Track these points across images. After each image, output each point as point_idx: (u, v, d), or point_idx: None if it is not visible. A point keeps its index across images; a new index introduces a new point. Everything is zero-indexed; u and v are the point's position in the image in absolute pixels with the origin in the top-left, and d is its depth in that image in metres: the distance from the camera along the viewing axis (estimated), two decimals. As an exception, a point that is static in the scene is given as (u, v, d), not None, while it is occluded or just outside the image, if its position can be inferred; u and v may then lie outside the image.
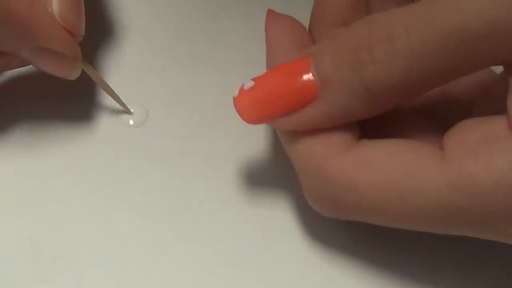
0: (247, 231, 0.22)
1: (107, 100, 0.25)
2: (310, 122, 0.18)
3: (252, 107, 0.18)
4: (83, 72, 0.23)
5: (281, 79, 0.18)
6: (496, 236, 0.16)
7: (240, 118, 0.18)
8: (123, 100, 0.24)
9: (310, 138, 0.18)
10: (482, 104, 0.19)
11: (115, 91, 0.24)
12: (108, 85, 0.24)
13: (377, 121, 0.19)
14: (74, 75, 0.22)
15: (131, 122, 0.25)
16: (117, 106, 0.24)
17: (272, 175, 0.24)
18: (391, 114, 0.19)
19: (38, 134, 0.24)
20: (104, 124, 0.24)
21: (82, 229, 0.21)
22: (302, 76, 0.17)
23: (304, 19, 0.22)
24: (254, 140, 0.25)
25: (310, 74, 0.17)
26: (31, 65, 0.23)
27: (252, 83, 0.18)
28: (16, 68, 0.24)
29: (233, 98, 0.18)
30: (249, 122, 0.18)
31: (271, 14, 0.21)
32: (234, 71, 0.27)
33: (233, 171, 0.24)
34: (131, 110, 0.25)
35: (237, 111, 0.18)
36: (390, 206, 0.16)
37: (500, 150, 0.15)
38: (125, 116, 0.25)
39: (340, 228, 0.22)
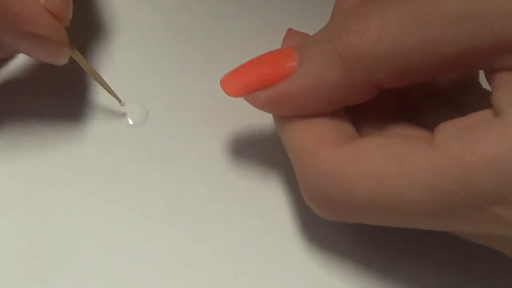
0: (247, 231, 0.22)
1: (107, 100, 0.25)
2: (283, 93, 0.18)
3: (233, 80, 0.20)
4: (83, 71, 0.23)
5: (266, 60, 0.19)
6: (487, 223, 0.16)
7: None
8: (124, 97, 0.24)
9: (303, 128, 0.19)
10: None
11: (116, 90, 0.24)
12: (99, 75, 0.23)
13: (372, 126, 0.20)
14: (61, 60, 0.22)
15: (131, 122, 0.25)
16: (117, 105, 0.24)
17: (273, 175, 0.24)
18: (382, 117, 0.20)
19: (38, 134, 0.24)
20: (104, 124, 0.24)
21: (82, 229, 0.21)
22: (284, 58, 0.19)
23: (306, 23, 0.22)
24: (255, 140, 0.25)
25: (293, 59, 0.19)
26: (32, 66, 0.23)
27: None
28: (4, 57, 0.23)
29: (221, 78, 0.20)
30: (228, 94, 0.20)
31: (290, 32, 0.22)
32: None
33: (233, 171, 0.24)
34: (123, 101, 0.24)
35: (220, 84, 0.20)
36: (379, 195, 0.16)
37: (486, 132, 0.15)
38: (125, 116, 0.25)
39: (337, 230, 0.22)
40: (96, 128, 0.24)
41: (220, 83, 0.20)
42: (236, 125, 0.25)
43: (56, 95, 0.25)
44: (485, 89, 0.21)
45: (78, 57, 0.22)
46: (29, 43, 0.21)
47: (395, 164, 0.16)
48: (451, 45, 0.16)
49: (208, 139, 0.24)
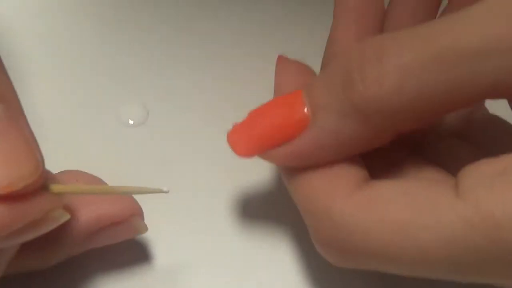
0: (246, 229, 0.22)
1: (107, 99, 0.25)
2: (300, 151, 0.17)
3: (243, 139, 0.18)
4: (82, 70, 0.23)
5: (274, 111, 0.18)
6: None
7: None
8: (124, 97, 0.24)
9: (314, 177, 0.17)
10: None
11: (116, 90, 0.24)
12: (115, 187, 0.18)
13: (383, 165, 0.18)
14: (59, 220, 0.16)
15: (131, 122, 0.25)
16: (116, 105, 0.24)
17: (274, 173, 0.24)
18: (398, 159, 0.19)
19: (37, 135, 0.24)
20: (104, 124, 0.24)
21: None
22: (294, 107, 0.17)
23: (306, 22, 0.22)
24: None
25: (303, 106, 0.17)
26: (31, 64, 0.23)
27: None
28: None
29: (227, 133, 0.18)
30: (240, 154, 0.18)
31: (281, 60, 0.21)
32: (234, 71, 0.27)
33: (233, 170, 0.24)
34: (166, 188, 0.18)
35: (229, 144, 0.18)
36: (400, 248, 0.15)
37: None
38: (125, 116, 0.25)
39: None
40: (96, 128, 0.24)
41: (228, 140, 0.18)
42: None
43: (55, 95, 0.25)
44: (494, 117, 0.20)
45: (77, 189, 0.18)
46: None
47: (419, 215, 0.15)
48: (476, 83, 0.15)
49: (208, 139, 0.24)
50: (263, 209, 0.23)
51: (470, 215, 0.14)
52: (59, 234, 0.18)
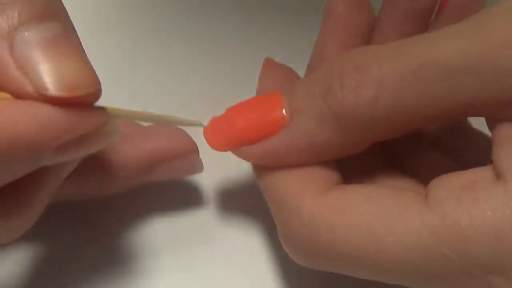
0: (243, 229, 0.22)
1: (106, 100, 0.25)
2: (274, 150, 0.17)
3: (219, 134, 0.18)
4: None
5: (251, 109, 0.18)
6: None
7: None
8: (124, 97, 0.24)
9: (285, 176, 0.18)
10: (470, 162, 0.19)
11: (116, 90, 0.24)
12: (160, 116, 0.19)
13: (357, 173, 0.19)
14: (112, 138, 0.16)
15: (131, 122, 0.25)
16: (116, 105, 0.24)
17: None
18: (368, 164, 0.19)
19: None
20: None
21: (85, 230, 0.22)
22: (272, 107, 0.17)
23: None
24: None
25: (281, 108, 0.17)
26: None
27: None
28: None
29: (203, 128, 0.19)
30: (214, 148, 0.19)
31: (267, 63, 0.21)
32: (234, 71, 0.27)
33: (234, 169, 0.24)
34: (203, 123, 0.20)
35: (205, 137, 0.19)
36: (366, 251, 0.15)
37: (485, 197, 0.14)
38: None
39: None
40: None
41: (204, 133, 0.19)
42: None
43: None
44: (477, 131, 0.20)
45: (128, 115, 0.18)
46: (68, 153, 0.15)
47: (386, 220, 0.15)
48: (452, 100, 0.15)
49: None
50: (249, 204, 0.23)
51: (437, 224, 0.14)
52: (122, 159, 0.19)
